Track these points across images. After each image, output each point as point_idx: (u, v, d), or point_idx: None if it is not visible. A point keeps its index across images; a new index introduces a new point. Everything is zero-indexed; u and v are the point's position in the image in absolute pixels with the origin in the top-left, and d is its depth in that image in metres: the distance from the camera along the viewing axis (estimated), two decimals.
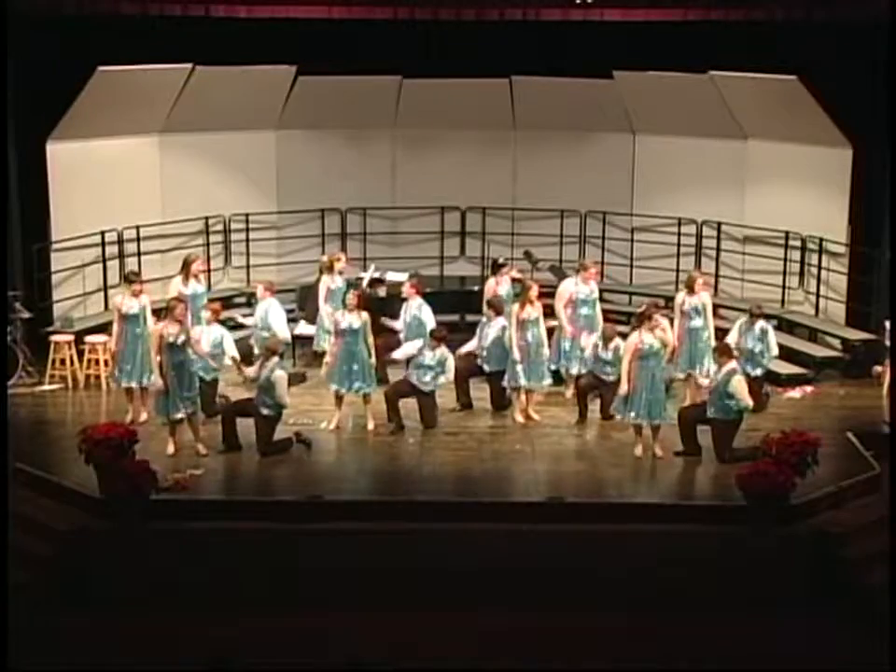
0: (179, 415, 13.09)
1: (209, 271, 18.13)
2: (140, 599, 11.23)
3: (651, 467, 13.20)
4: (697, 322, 14.60)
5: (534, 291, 14.41)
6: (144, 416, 14.08)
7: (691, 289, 14.75)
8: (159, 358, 13.10)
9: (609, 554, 11.63)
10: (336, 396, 14.08)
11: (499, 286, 15.47)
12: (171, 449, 13.18)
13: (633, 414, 13.31)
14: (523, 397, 14.43)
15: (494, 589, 11.39)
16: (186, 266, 15.24)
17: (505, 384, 14.47)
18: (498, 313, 14.70)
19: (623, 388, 13.31)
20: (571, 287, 15.20)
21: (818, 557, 11.67)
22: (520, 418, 14.38)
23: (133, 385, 14.14)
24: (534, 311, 14.33)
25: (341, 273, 15.99)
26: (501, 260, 16.22)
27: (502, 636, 10.84)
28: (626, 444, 13.66)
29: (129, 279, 14.63)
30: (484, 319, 14.93)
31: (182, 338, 13.10)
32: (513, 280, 16.75)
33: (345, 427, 14.11)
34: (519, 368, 14.24)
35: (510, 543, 11.73)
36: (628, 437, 13.75)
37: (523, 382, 14.29)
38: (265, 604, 11.23)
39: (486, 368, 14.75)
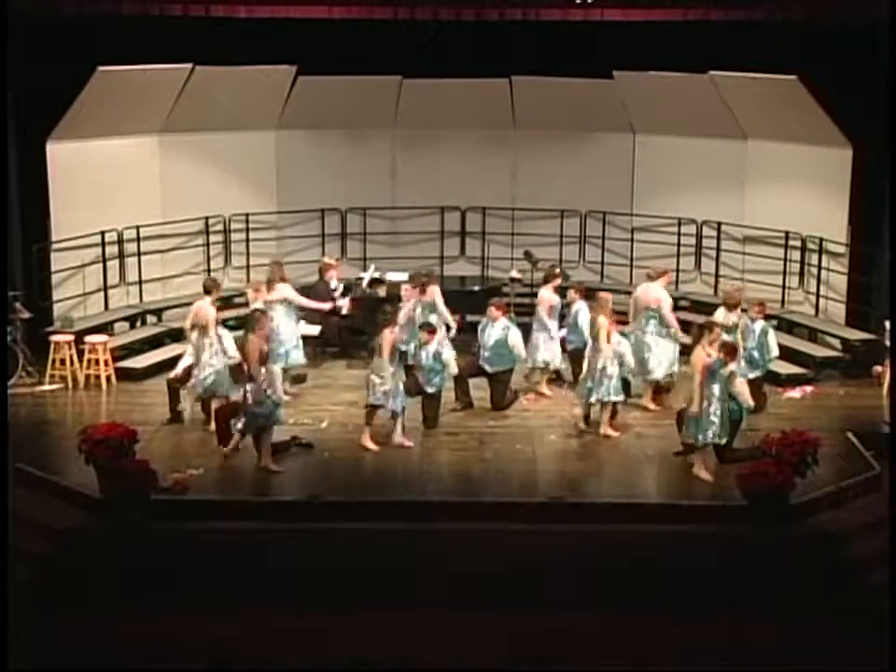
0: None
1: (209, 271, 18.18)
2: (140, 599, 11.23)
3: (651, 467, 13.21)
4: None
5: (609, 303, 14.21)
6: (186, 411, 14.01)
7: (732, 307, 14.53)
8: (262, 369, 12.99)
9: (608, 554, 11.62)
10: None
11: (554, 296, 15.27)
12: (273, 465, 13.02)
13: (709, 434, 12.66)
14: (607, 408, 14.07)
15: (494, 589, 11.39)
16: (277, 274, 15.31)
17: (608, 398, 13.89)
18: (504, 314, 14.74)
19: (695, 409, 12.66)
20: (665, 292, 15.08)
21: (818, 557, 11.67)
22: (612, 432, 13.94)
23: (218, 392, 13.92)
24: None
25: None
26: (557, 270, 15.82)
27: (502, 636, 10.83)
28: (626, 444, 13.67)
29: (212, 288, 14.41)
30: (485, 320, 14.92)
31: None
32: (512, 280, 16.80)
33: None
34: (611, 383, 13.89)
35: (510, 543, 11.72)
36: (629, 437, 13.77)
37: (618, 396, 13.99)
38: (265, 604, 11.22)
39: (487, 369, 14.76)
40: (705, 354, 12.73)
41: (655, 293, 15.03)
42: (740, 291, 15.13)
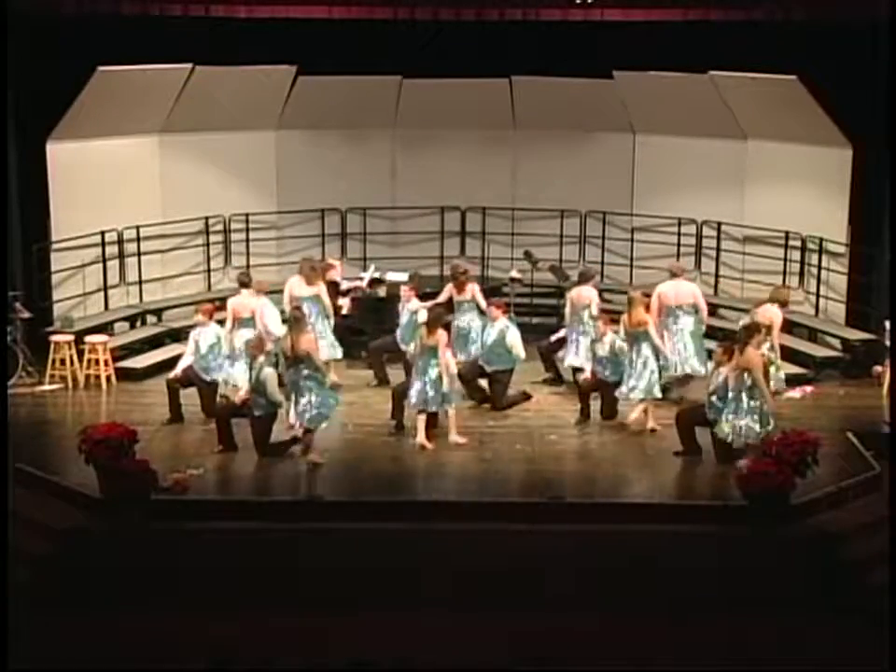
0: None
1: (209, 271, 18.19)
2: (140, 599, 11.23)
3: (651, 466, 13.21)
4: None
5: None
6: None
7: (783, 305, 14.54)
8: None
9: (608, 554, 11.63)
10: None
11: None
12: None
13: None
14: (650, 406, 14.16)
15: (494, 589, 11.39)
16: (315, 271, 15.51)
17: (653, 394, 14.02)
18: (504, 313, 14.74)
19: (772, 404, 12.84)
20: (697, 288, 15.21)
21: (818, 557, 11.67)
22: (654, 424, 14.02)
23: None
24: None
25: None
26: (592, 271, 15.97)
27: (502, 636, 10.83)
28: (626, 444, 13.67)
29: (247, 282, 14.82)
30: (486, 320, 14.93)
31: None
32: (512, 280, 16.77)
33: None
34: (655, 378, 14.03)
35: (510, 543, 11.72)
36: (629, 437, 13.77)
37: (658, 392, 14.13)
38: (265, 604, 11.23)
39: (487, 368, 14.77)
40: (760, 353, 12.81)
41: (690, 289, 15.06)
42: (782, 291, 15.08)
